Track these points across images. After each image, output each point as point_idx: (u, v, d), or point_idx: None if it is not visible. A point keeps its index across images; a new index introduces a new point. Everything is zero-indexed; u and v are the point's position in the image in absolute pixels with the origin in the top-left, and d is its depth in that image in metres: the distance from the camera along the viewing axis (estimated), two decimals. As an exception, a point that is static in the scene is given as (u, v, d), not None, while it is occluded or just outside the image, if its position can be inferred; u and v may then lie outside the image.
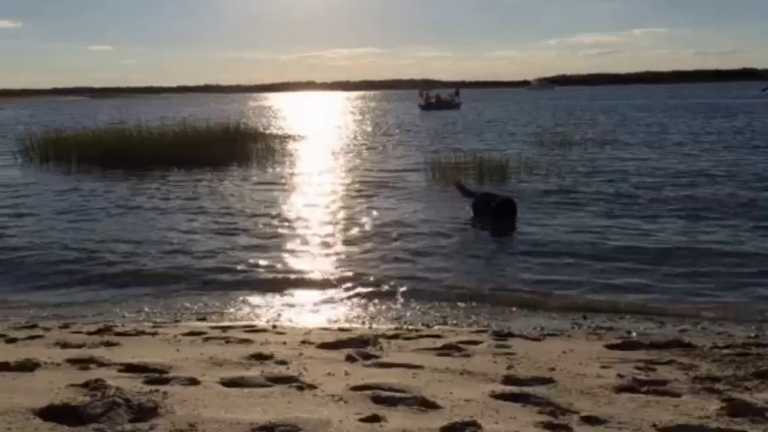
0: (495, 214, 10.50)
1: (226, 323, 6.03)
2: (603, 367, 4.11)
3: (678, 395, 3.49)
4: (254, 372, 3.79)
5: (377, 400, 3.28)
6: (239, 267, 8.28)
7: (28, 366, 3.83)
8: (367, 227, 10.47)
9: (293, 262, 8.50)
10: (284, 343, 4.85)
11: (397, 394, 3.35)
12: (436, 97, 63.16)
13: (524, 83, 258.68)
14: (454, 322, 6.15)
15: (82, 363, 3.96)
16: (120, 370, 3.79)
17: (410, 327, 5.86)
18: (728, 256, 8.27)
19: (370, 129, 36.72)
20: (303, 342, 4.84)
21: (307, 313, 6.65)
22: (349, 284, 7.54)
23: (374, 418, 3.00)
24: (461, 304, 6.74)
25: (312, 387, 3.50)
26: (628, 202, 12.15)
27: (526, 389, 3.51)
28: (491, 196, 11.09)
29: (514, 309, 6.59)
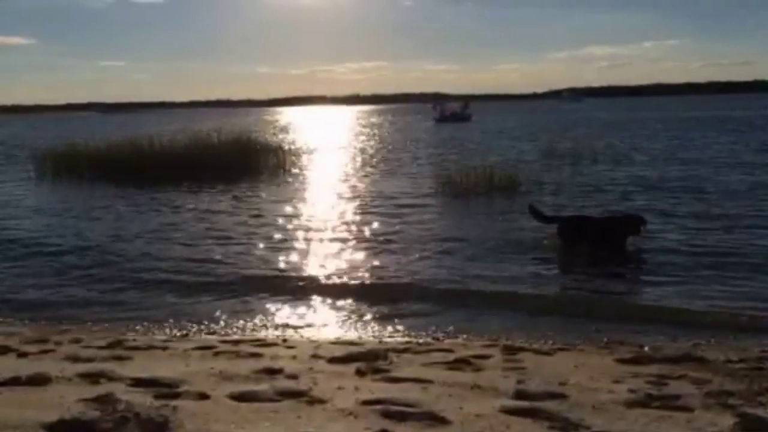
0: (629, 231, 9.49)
1: (236, 337, 6.03)
2: (615, 382, 4.07)
3: (691, 410, 3.45)
4: (264, 386, 3.79)
5: (387, 414, 3.27)
6: (248, 281, 8.29)
7: (39, 380, 3.85)
8: (377, 241, 10.46)
9: (303, 276, 8.51)
10: (294, 357, 4.85)
11: (407, 409, 3.33)
12: (450, 109, 63.88)
13: (534, 96, 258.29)
14: (465, 335, 6.13)
15: (93, 377, 3.98)
16: (130, 385, 3.80)
17: (420, 341, 5.84)
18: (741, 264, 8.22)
19: (385, 142, 36.49)
20: (313, 356, 4.83)
21: (318, 326, 6.65)
22: (359, 298, 7.53)
23: (384, 434, 2.99)
24: (471, 318, 6.71)
25: (322, 401, 3.49)
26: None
27: (537, 404, 3.49)
28: (586, 218, 10.14)
29: (524, 322, 6.55)
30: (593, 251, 9.35)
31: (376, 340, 5.91)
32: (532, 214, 10.49)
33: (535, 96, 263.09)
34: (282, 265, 9.08)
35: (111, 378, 3.98)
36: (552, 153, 23.52)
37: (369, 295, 7.62)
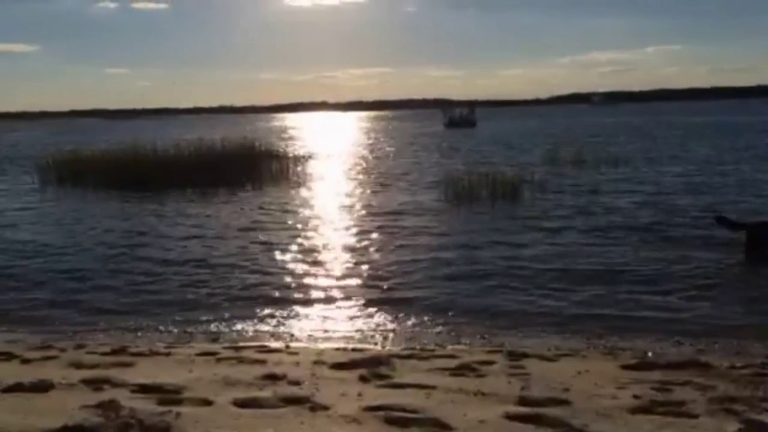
0: None
1: (239, 344, 6.03)
2: (618, 388, 4.06)
3: (695, 416, 3.44)
4: (267, 393, 3.79)
5: (390, 421, 3.27)
6: (252, 288, 8.28)
7: (42, 387, 3.86)
8: (380, 247, 10.44)
9: (307, 283, 8.50)
10: (297, 363, 4.84)
11: (411, 415, 3.33)
12: (458, 114, 64.40)
13: (537, 102, 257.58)
14: (468, 341, 6.11)
15: (96, 384, 3.98)
16: (133, 391, 3.81)
17: (424, 347, 5.82)
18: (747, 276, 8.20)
19: (397, 148, 36.29)
20: (316, 362, 4.83)
21: (321, 333, 6.63)
22: (362, 304, 7.51)
23: (387, 440, 2.99)
24: (475, 324, 6.69)
25: (325, 408, 3.49)
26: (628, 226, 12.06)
27: (540, 410, 3.48)
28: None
29: (528, 328, 6.53)
30: None
31: (379, 347, 5.91)
32: (717, 222, 9.78)
33: (538, 101, 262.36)
34: (284, 271, 9.07)
35: (114, 384, 3.98)
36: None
37: (372, 300, 7.60)
